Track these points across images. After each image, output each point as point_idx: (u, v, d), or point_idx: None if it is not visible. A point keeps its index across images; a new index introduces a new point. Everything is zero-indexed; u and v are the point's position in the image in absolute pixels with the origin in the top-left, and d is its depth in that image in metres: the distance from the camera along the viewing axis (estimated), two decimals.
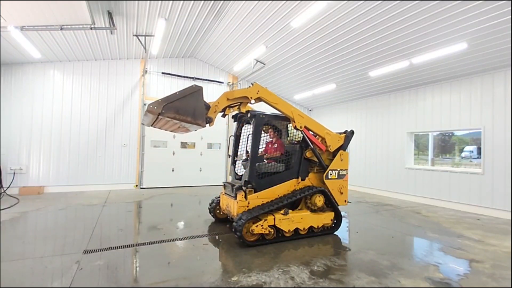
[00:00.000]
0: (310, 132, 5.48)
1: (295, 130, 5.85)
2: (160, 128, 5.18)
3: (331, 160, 5.58)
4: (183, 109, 4.05)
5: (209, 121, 4.69)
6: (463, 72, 7.77)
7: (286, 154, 5.47)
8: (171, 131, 5.30)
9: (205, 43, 9.80)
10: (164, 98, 4.03)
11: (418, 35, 6.54)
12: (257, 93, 5.07)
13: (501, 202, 7.10)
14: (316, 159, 5.43)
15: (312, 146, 5.32)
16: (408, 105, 9.69)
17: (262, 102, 5.23)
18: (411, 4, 5.64)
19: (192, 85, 4.23)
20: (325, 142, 5.52)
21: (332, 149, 5.54)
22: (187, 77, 11.29)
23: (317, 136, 5.53)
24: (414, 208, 8.03)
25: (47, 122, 9.11)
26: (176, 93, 4.10)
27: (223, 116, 5.53)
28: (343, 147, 5.70)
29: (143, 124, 5.28)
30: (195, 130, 4.93)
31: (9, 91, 8.70)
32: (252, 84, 5.11)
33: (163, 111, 3.90)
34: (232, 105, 5.32)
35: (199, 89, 4.23)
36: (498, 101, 7.28)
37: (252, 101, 5.18)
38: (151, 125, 4.95)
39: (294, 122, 5.25)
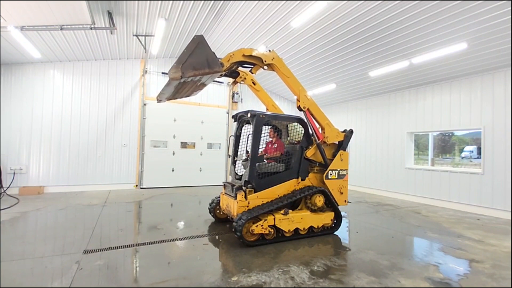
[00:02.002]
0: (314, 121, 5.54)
1: (295, 130, 5.87)
2: (176, 97, 5.24)
3: (331, 160, 5.58)
4: (197, 63, 4.15)
5: (222, 65, 4.76)
6: (463, 72, 7.77)
7: (286, 154, 5.47)
8: (188, 95, 5.36)
9: None
10: (176, 62, 4.08)
11: (418, 35, 6.54)
12: (272, 60, 5.20)
13: (501, 202, 7.10)
14: (315, 159, 5.43)
15: (316, 139, 5.35)
16: (408, 105, 9.69)
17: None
18: (411, 4, 5.64)
19: (193, 37, 4.23)
20: (324, 132, 5.54)
21: (328, 141, 5.55)
22: None
23: (318, 125, 5.57)
24: (414, 208, 8.03)
25: (47, 122, 9.11)
26: (183, 51, 4.13)
27: (234, 83, 5.70)
28: (343, 147, 5.70)
29: (160, 101, 5.36)
30: (206, 86, 5.06)
31: (9, 91, 8.69)
32: (270, 50, 5.21)
33: (183, 72, 3.99)
34: (244, 65, 5.36)
35: (201, 38, 4.24)
36: (498, 101, 7.28)
37: (265, 67, 5.29)
38: (171, 98, 5.08)
39: (299, 101, 5.31)
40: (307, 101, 5.41)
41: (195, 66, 4.12)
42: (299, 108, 5.40)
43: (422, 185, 9.06)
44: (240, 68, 5.63)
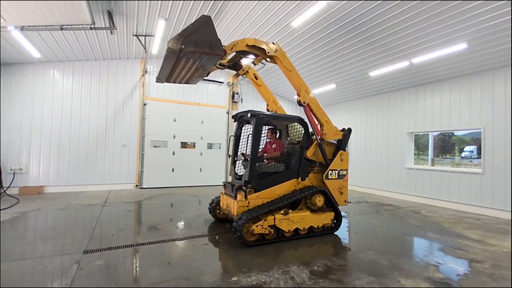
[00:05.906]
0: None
1: (295, 130, 5.86)
2: (176, 81, 5.15)
3: (331, 160, 5.58)
4: (200, 41, 4.04)
5: (225, 52, 4.64)
6: (463, 72, 7.77)
7: (286, 154, 5.46)
8: (186, 81, 5.27)
9: None
10: (179, 34, 3.96)
11: (418, 35, 6.54)
12: (275, 52, 5.19)
13: (501, 202, 7.10)
14: (315, 158, 5.43)
15: (316, 139, 5.34)
16: (408, 105, 9.69)
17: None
18: (411, 4, 5.64)
19: (201, 16, 4.14)
20: (323, 129, 5.53)
21: (327, 137, 5.53)
22: None
23: (317, 121, 5.58)
24: (414, 208, 8.03)
25: (47, 122, 9.11)
26: (188, 27, 4.02)
27: (236, 75, 5.62)
28: (342, 146, 5.70)
29: (159, 80, 5.25)
30: (207, 72, 4.98)
31: (9, 91, 8.69)
32: (274, 43, 5.21)
33: (183, 46, 3.88)
34: (247, 55, 5.33)
35: (208, 19, 4.15)
36: (498, 101, 7.28)
37: (267, 59, 5.28)
38: (170, 79, 4.99)
39: (299, 96, 5.32)
40: (308, 96, 5.41)
41: (197, 43, 4.00)
42: (299, 103, 5.39)
43: (422, 185, 9.06)
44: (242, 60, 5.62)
